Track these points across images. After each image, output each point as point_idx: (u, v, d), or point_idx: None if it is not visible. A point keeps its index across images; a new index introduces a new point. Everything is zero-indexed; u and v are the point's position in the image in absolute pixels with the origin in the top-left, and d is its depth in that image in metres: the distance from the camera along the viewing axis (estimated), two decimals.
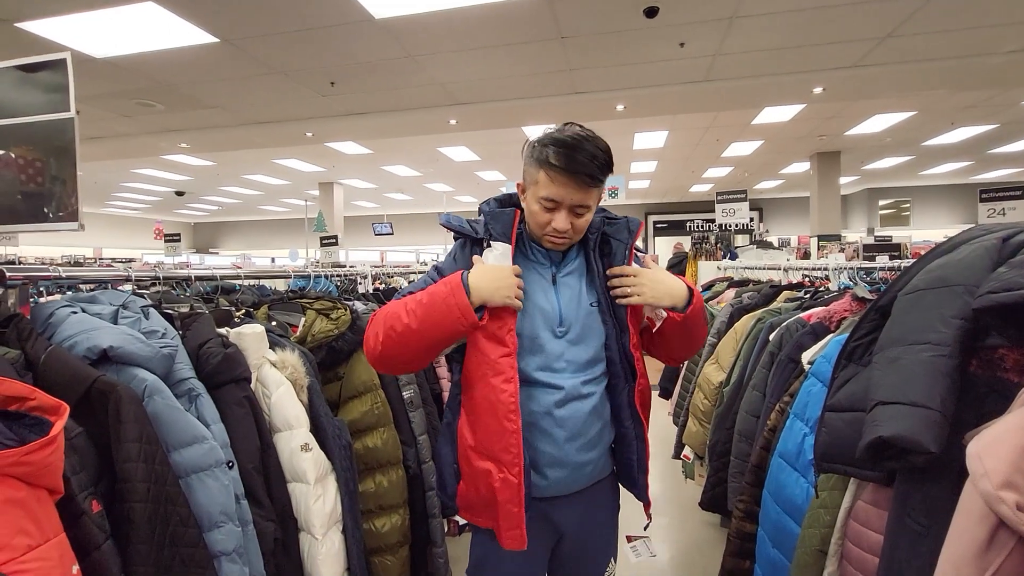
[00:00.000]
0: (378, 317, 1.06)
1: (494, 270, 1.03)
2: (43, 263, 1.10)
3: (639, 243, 1.15)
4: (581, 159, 1.00)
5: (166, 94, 5.01)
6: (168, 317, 1.15)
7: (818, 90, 5.03)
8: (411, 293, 1.07)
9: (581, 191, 1.03)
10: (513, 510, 1.03)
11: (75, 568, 0.68)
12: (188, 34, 3.75)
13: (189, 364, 1.06)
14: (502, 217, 1.08)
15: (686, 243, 6.47)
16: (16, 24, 3.52)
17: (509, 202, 1.16)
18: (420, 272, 3.61)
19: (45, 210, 1.13)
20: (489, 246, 1.08)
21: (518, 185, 1.14)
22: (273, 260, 12.76)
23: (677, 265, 5.78)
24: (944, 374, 0.70)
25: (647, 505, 1.25)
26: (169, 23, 3.56)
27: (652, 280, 1.10)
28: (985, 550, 0.54)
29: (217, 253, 16.20)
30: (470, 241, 1.13)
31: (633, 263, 1.14)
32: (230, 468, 0.98)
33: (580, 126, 1.06)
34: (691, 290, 1.13)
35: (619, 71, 4.66)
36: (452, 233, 1.17)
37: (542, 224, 1.06)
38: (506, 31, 3.85)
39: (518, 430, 1.01)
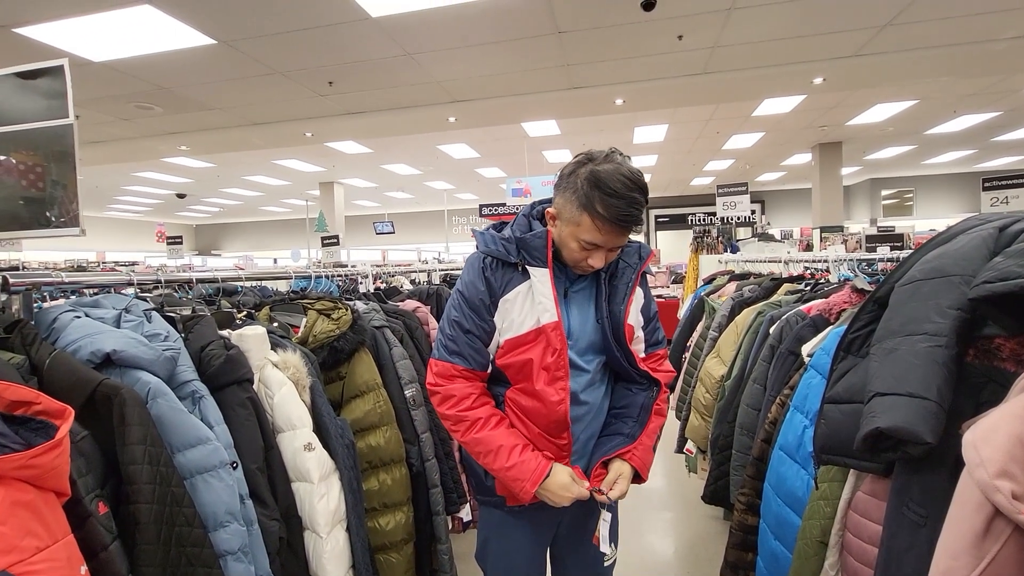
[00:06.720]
0: (453, 426, 1.16)
1: (563, 490, 1.10)
2: (47, 268, 1.11)
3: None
4: (628, 210, 1.03)
5: (164, 97, 5.02)
6: (170, 320, 1.16)
7: (818, 80, 5.00)
8: (451, 336, 1.16)
9: (624, 236, 1.09)
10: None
11: (83, 569, 0.69)
12: (185, 36, 3.75)
13: (192, 366, 1.06)
14: (534, 241, 1.12)
15: (687, 237, 6.49)
16: (14, 29, 3.54)
17: (528, 226, 1.18)
18: (422, 271, 3.61)
19: (47, 215, 1.14)
20: (524, 271, 1.13)
21: (547, 212, 1.15)
22: (275, 261, 12.79)
23: None
24: (941, 364, 0.70)
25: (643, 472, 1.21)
26: (166, 26, 3.57)
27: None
28: (982, 539, 0.54)
29: (219, 255, 16.25)
30: (500, 262, 1.16)
31: (638, 287, 1.21)
32: (234, 468, 0.99)
33: (620, 154, 1.08)
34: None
35: (617, 65, 4.65)
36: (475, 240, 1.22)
37: (577, 260, 1.12)
38: (503, 27, 3.84)
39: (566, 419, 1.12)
